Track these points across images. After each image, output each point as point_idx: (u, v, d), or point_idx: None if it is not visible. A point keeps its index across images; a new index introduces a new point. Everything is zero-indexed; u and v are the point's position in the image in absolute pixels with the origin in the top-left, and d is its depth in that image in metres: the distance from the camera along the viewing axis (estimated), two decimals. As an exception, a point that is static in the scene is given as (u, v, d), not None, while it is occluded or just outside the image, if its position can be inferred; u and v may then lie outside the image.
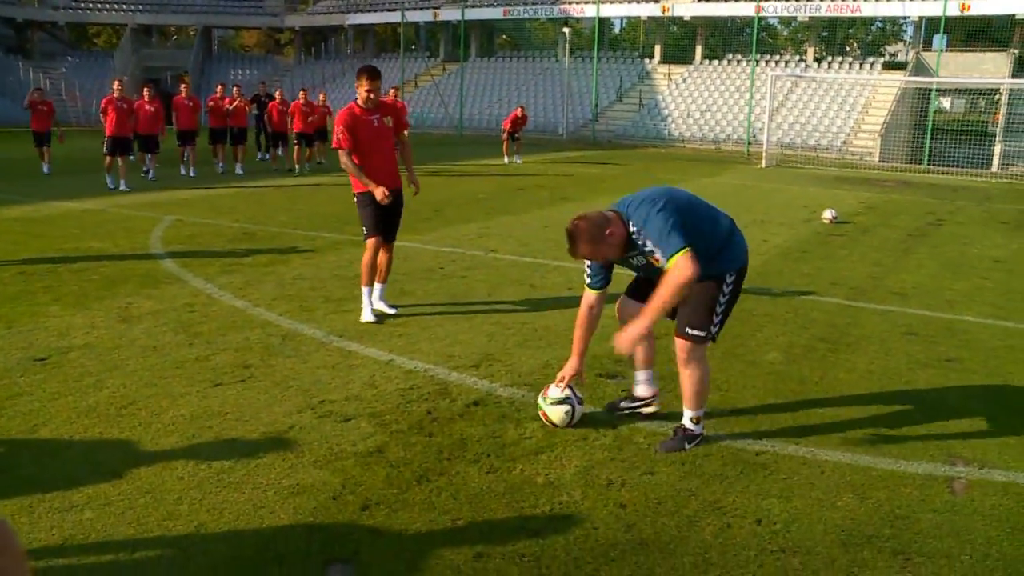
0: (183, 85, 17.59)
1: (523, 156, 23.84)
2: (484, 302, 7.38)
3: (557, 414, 4.52)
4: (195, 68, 52.37)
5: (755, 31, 32.92)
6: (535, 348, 6.00)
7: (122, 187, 15.09)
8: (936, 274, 9.05)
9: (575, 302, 7.40)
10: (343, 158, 6.55)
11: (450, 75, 45.72)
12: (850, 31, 55.49)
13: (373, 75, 6.41)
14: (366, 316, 6.68)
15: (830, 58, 38.96)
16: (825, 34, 44.72)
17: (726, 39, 43.32)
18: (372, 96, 6.43)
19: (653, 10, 40.57)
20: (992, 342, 6.40)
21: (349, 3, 54.16)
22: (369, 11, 51.75)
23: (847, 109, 33.11)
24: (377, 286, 7.01)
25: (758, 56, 36.25)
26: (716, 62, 40.16)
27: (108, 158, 15.34)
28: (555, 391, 4.55)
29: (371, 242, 6.71)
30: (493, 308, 7.17)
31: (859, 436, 4.48)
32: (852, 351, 6.05)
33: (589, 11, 41.19)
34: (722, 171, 22.64)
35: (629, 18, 50.00)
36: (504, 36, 58.18)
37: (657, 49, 42.56)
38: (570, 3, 42.57)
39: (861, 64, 37.29)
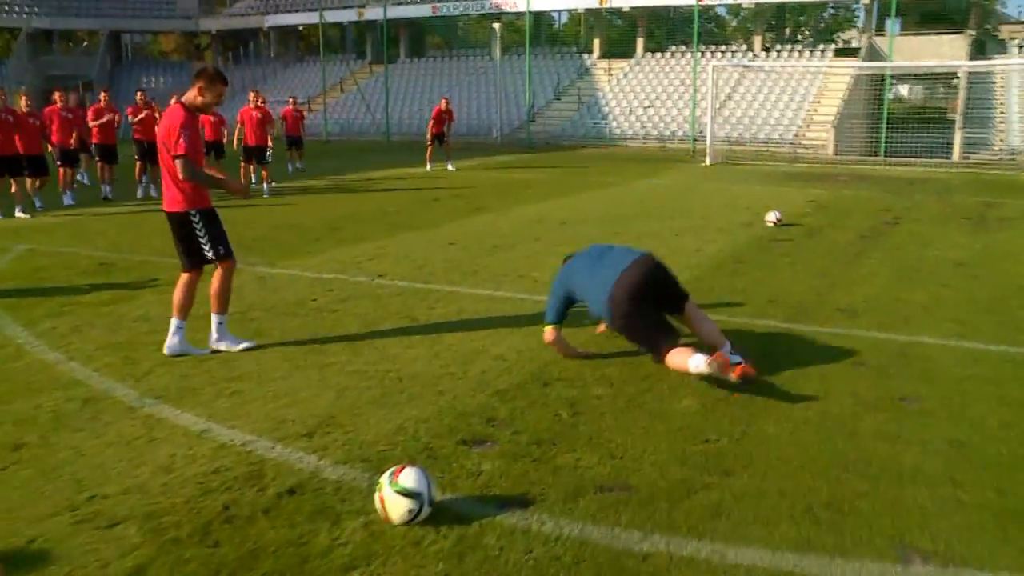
0: (57, 94, 16.11)
1: (453, 161, 22.78)
2: (350, 342, 6.41)
3: (398, 508, 3.57)
4: (102, 76, 50.72)
5: (695, 20, 32.35)
6: (391, 407, 5.04)
7: (18, 213, 13.88)
8: (890, 284, 8.27)
9: (460, 340, 6.49)
10: (188, 168, 5.82)
11: (377, 78, 44.65)
12: (800, 18, 55.65)
13: (226, 81, 6.11)
14: (242, 345, 6.30)
15: (779, 47, 38.68)
16: (774, 22, 44.56)
17: (670, 31, 42.88)
18: (220, 103, 6.18)
19: (590, 2, 39.98)
20: (955, 370, 5.59)
21: (268, 4, 52.97)
22: (288, 11, 50.56)
23: (797, 100, 32.75)
24: (218, 320, 6.33)
25: (703, 47, 35.82)
26: (659, 55, 39.68)
27: None
28: (410, 477, 3.60)
29: (232, 262, 6.28)
30: (357, 351, 6.20)
31: (784, 522, 3.59)
32: (786, 391, 5.18)
33: (522, 5, 40.42)
34: (663, 171, 21.90)
35: (565, 11, 49.49)
36: (437, 36, 57.32)
37: (596, 43, 41.97)
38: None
39: (811, 52, 37.04)
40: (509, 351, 6.10)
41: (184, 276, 6.23)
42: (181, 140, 5.79)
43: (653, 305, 5.46)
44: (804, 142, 29.92)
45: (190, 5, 55.04)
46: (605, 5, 39.40)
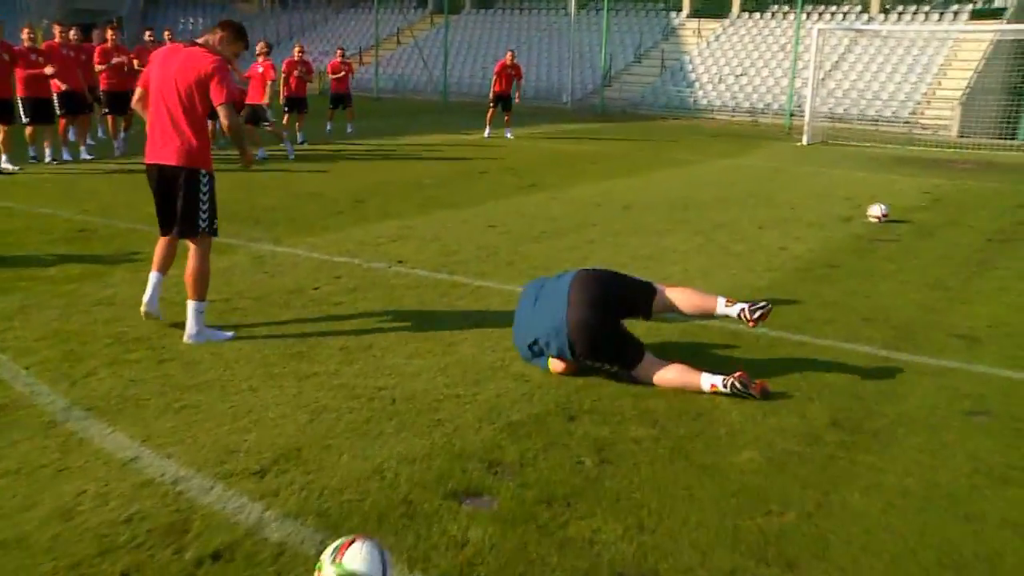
0: (56, 28, 15.18)
1: (514, 129, 22.06)
2: (345, 345, 5.83)
3: (340, 596, 2.97)
4: (133, 13, 51.12)
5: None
6: (373, 438, 4.42)
7: (4, 164, 13.54)
8: None
9: (477, 350, 5.79)
10: (235, 116, 5.89)
11: (437, 30, 44.12)
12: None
13: (247, 43, 6.21)
14: (226, 335, 6.02)
15: (901, 8, 37.01)
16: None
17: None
18: (232, 63, 6.12)
19: (682, -49, 38.86)
20: (1108, 428, 4.78)
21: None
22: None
23: (919, 71, 31.28)
24: (198, 308, 6.01)
25: (808, 8, 34.46)
26: (757, 15, 38.37)
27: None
28: (358, 556, 2.99)
29: (213, 239, 6.16)
30: (351, 358, 5.61)
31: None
32: (881, 449, 4.44)
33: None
34: (751, 149, 20.89)
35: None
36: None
37: (686, 0, 40.78)
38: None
39: (941, 14, 35.28)
40: (533, 369, 5.45)
41: (162, 240, 6.20)
42: (226, 85, 5.72)
43: (614, 317, 5.23)
44: (923, 121, 28.57)
45: (236, -60, 55.17)
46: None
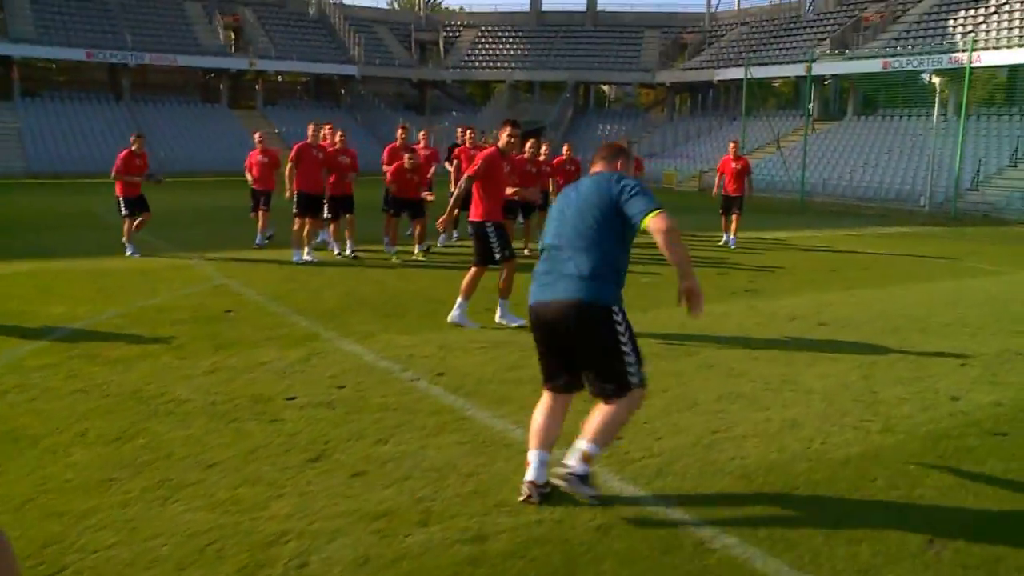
0: (327, 128, 12.96)
1: (839, 228, 18.41)
2: (167, 480, 4.14)
3: None
4: (561, 120, 53.09)
5: None
6: None
7: (296, 258, 12.00)
8: None
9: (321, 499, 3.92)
10: (462, 182, 7.71)
11: (822, 134, 40.64)
12: None
13: (515, 127, 7.72)
14: (516, 323, 7.91)
15: None
16: None
17: None
18: (512, 141, 7.71)
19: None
20: None
21: (719, 59, 51.41)
22: (734, 66, 48.35)
23: None
24: (503, 301, 8.09)
25: None
26: None
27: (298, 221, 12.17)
28: None
29: (514, 261, 7.91)
30: (178, 487, 3.91)
31: None
32: None
33: (987, 58, 33.96)
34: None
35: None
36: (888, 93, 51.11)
37: (1076, 101, 33.75)
38: (963, 50, 35.40)
39: None
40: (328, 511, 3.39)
41: (473, 269, 7.87)
42: (475, 165, 7.69)
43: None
44: None
45: (651, 59, 55.38)
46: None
